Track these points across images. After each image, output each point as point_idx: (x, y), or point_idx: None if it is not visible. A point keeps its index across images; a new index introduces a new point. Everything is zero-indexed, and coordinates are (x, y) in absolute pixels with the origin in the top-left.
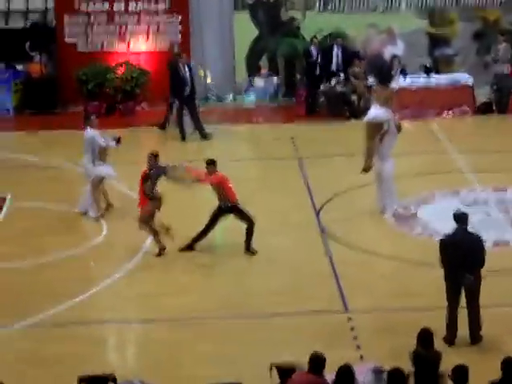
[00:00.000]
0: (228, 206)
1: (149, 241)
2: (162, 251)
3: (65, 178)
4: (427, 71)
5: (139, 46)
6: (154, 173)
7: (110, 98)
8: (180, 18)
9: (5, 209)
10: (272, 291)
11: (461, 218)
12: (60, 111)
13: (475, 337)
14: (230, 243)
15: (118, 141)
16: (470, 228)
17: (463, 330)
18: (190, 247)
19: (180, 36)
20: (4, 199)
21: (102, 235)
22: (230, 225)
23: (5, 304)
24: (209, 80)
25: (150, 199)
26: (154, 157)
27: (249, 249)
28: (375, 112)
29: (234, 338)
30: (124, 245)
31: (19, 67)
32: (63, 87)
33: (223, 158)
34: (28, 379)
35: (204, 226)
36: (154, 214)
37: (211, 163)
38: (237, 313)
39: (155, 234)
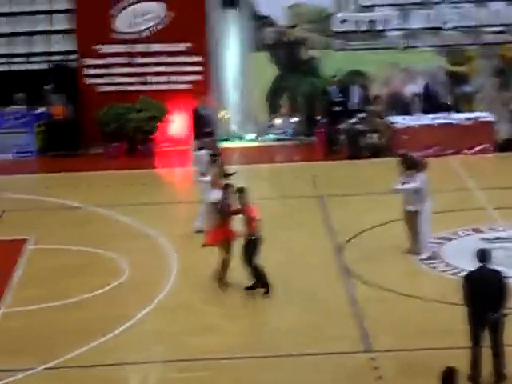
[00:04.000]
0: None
1: (171, 281)
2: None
3: (87, 219)
4: (447, 109)
5: (159, 86)
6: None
7: (130, 138)
8: (200, 58)
9: (27, 251)
10: (293, 331)
11: (484, 256)
12: (82, 153)
13: (500, 376)
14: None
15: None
16: (493, 265)
17: (488, 368)
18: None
19: (201, 76)
20: (26, 241)
21: (125, 275)
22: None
23: (29, 346)
24: (230, 120)
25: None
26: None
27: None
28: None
29: (254, 379)
30: (147, 284)
31: (41, 109)
32: (85, 129)
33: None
34: None
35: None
36: None
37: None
38: (257, 353)
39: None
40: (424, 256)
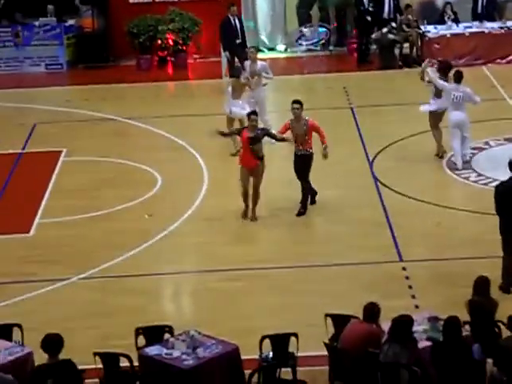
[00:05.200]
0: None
1: (203, 192)
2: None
3: (119, 131)
4: (477, 17)
5: None
6: (261, 133)
7: (162, 50)
8: None
9: (60, 163)
10: (326, 240)
11: None
12: (112, 65)
13: None
14: (285, 195)
15: None
16: None
17: None
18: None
19: None
20: (60, 153)
21: (158, 187)
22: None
23: (65, 256)
24: (260, 30)
25: (261, 159)
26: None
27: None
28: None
29: (289, 288)
30: (179, 196)
31: (71, 21)
32: (115, 41)
33: (276, 109)
34: (88, 330)
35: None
36: None
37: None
38: (291, 263)
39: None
40: (458, 167)
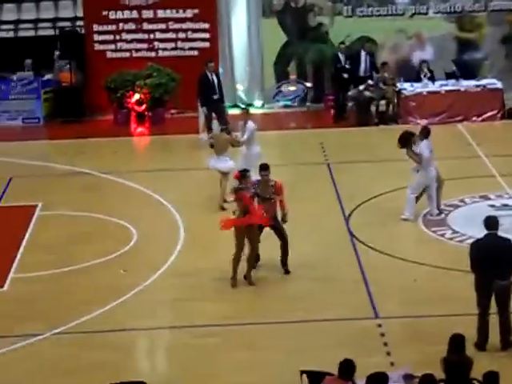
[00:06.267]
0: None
1: (178, 248)
2: None
3: (96, 185)
4: (451, 77)
5: (168, 52)
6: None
7: (139, 105)
8: (208, 25)
9: (36, 217)
10: (300, 297)
11: (491, 223)
12: (90, 119)
13: (506, 343)
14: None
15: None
16: (500, 233)
17: (494, 335)
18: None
19: (208, 43)
20: (35, 207)
21: (133, 242)
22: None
23: (38, 312)
24: (237, 87)
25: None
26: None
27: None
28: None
29: (261, 345)
30: (154, 251)
31: (48, 76)
32: (92, 95)
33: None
34: None
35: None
36: None
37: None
38: (266, 319)
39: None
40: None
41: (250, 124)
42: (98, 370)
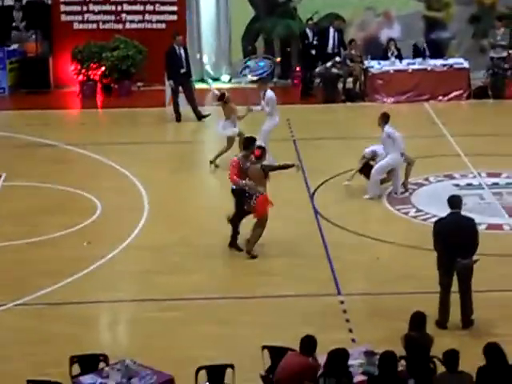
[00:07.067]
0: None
1: (143, 221)
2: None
3: (60, 157)
4: (418, 53)
5: (135, 24)
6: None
7: (106, 77)
8: None
9: (0, 188)
10: (264, 272)
11: (455, 202)
12: (55, 90)
13: (467, 321)
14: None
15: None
16: (463, 212)
17: (456, 314)
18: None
19: (176, 16)
20: None
21: (97, 214)
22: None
23: (1, 282)
24: (204, 61)
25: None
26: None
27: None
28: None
29: (225, 319)
30: (119, 224)
31: (14, 46)
32: (59, 67)
33: (219, 140)
34: (22, 357)
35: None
36: None
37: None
38: (228, 293)
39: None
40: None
41: (269, 93)
42: (59, 341)
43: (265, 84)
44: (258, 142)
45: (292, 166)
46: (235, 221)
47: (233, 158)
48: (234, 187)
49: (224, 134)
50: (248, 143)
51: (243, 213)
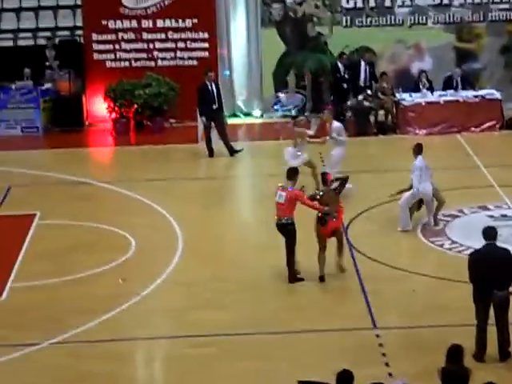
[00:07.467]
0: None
1: (177, 257)
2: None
3: (94, 195)
4: (449, 84)
5: (167, 62)
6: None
7: (139, 114)
8: (207, 34)
9: (34, 226)
10: (300, 307)
11: (490, 234)
12: (88, 129)
13: (504, 354)
14: (257, 260)
15: None
16: (499, 243)
17: (493, 347)
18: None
19: (207, 53)
20: (34, 216)
21: (131, 251)
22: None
23: (37, 321)
24: (236, 96)
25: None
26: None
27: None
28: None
29: (262, 355)
30: (153, 261)
31: (47, 85)
32: (91, 105)
33: (251, 174)
34: None
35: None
36: None
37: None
38: (264, 329)
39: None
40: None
41: (335, 123)
42: (96, 379)
43: (330, 116)
44: (328, 169)
45: (346, 177)
46: (291, 259)
47: (291, 190)
48: (284, 221)
49: (294, 164)
50: (292, 174)
51: (294, 245)
